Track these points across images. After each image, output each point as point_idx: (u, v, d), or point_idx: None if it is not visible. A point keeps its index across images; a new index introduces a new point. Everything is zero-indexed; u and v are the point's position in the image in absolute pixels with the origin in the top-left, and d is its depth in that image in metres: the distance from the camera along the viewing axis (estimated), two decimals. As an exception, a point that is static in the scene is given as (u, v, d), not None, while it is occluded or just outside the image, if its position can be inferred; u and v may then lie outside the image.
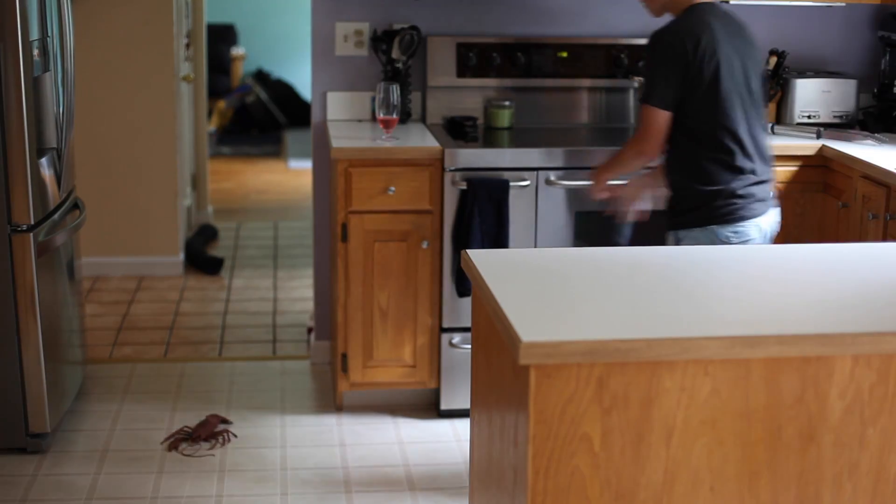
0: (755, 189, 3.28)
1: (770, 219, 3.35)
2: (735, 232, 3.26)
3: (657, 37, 3.33)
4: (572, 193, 4.02)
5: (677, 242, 3.35)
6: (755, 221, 3.29)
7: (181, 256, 6.03)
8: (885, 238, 3.67)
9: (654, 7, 3.45)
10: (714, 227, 3.27)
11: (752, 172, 3.28)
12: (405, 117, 4.37)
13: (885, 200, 3.68)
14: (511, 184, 3.96)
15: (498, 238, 3.93)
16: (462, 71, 4.43)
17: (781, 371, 2.06)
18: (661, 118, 3.27)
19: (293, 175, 8.90)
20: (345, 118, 4.48)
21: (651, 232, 4.06)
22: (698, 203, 3.28)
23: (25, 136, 3.60)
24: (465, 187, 3.93)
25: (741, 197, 3.25)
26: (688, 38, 3.24)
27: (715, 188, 3.25)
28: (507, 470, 2.22)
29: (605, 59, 4.47)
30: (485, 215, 3.91)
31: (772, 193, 3.36)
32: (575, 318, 2.12)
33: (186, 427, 3.94)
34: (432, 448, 3.92)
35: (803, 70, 4.57)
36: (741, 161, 3.25)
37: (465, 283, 3.96)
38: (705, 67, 3.23)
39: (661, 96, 3.25)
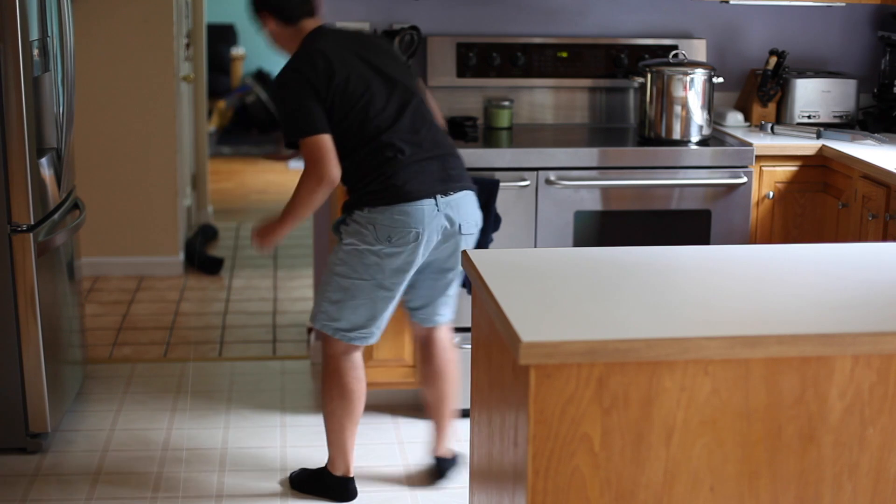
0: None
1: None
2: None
3: (281, 81, 3.30)
4: (572, 193, 4.02)
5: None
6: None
7: (181, 256, 6.03)
8: (885, 238, 3.67)
9: (288, 50, 3.41)
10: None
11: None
12: (405, 117, 4.37)
13: (885, 200, 3.68)
14: (510, 184, 3.96)
15: (481, 238, 3.88)
16: (462, 71, 4.43)
17: (781, 371, 2.06)
18: (325, 141, 3.28)
19: (293, 175, 8.83)
20: (345, 118, 4.48)
21: (649, 233, 4.06)
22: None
23: (25, 136, 3.60)
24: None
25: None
26: (308, 68, 3.26)
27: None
28: (507, 470, 2.22)
29: (605, 59, 4.47)
30: None
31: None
32: (575, 318, 2.12)
33: None
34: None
35: (803, 70, 4.57)
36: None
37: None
38: (334, 87, 3.25)
39: (311, 124, 3.26)
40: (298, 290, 5.78)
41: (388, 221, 3.27)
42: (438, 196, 3.30)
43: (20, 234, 3.66)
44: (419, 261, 3.34)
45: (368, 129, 3.29)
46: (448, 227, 3.34)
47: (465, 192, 3.38)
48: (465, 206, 3.37)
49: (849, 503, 2.14)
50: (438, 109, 3.61)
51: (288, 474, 3.68)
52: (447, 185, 3.33)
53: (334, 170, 3.29)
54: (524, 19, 4.49)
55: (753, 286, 2.33)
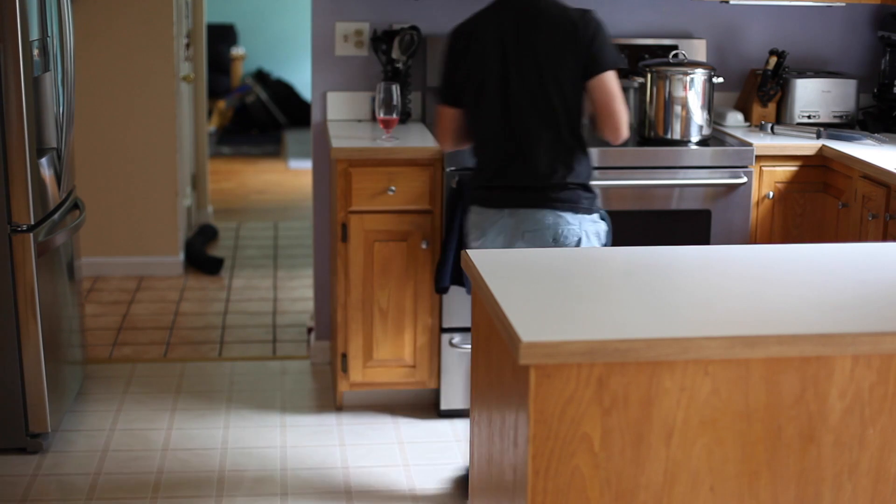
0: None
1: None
2: None
3: (595, 14, 3.34)
4: (572, 193, 4.01)
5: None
6: None
7: (181, 256, 6.03)
8: (885, 238, 3.67)
9: None
10: None
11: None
12: (405, 117, 4.37)
13: (885, 200, 3.68)
14: (511, 184, 3.95)
15: None
16: (462, 71, 4.42)
17: (781, 371, 2.06)
18: None
19: (293, 175, 8.90)
20: (345, 118, 4.48)
21: (649, 233, 4.06)
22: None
23: (25, 136, 3.60)
24: (455, 186, 3.92)
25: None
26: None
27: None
28: (507, 470, 2.22)
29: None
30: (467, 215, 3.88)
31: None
32: (575, 318, 2.12)
33: None
34: (432, 448, 3.92)
35: (803, 70, 4.57)
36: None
37: (441, 280, 3.91)
38: None
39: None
40: (298, 290, 5.78)
41: None
42: None
43: (20, 234, 3.66)
44: None
45: None
46: None
47: None
48: None
49: (849, 503, 2.14)
50: None
51: (288, 474, 3.68)
52: None
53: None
54: (524, 19, 4.49)
55: (753, 286, 2.33)
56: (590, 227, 3.29)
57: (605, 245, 3.31)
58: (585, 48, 3.23)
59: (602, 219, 3.34)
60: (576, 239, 3.26)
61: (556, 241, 3.25)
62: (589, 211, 3.30)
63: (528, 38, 3.26)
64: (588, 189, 3.32)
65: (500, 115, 3.30)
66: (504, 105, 3.29)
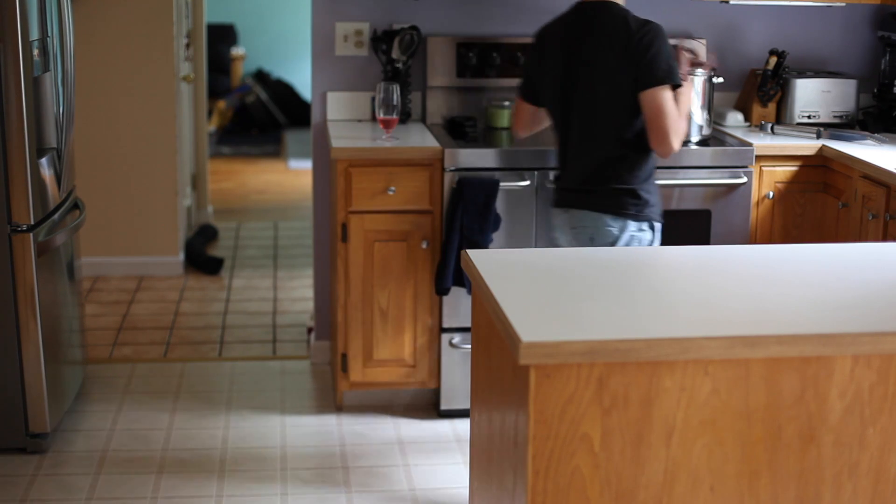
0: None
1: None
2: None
3: (658, 27, 3.32)
4: (572, 193, 4.02)
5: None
6: None
7: (181, 256, 6.03)
8: (885, 238, 3.67)
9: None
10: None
11: None
12: (405, 117, 4.37)
13: (885, 200, 3.68)
14: (510, 184, 3.96)
15: (480, 238, 3.90)
16: (462, 71, 4.43)
17: (781, 371, 2.06)
18: None
19: (293, 175, 8.90)
20: (345, 118, 4.48)
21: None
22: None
23: (25, 136, 3.60)
24: (455, 186, 3.93)
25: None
26: None
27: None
28: (507, 470, 2.22)
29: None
30: (468, 215, 3.89)
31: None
32: (575, 318, 2.12)
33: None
34: (432, 448, 3.92)
35: (803, 70, 4.57)
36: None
37: (442, 281, 3.92)
38: None
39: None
40: (298, 290, 5.78)
41: None
42: None
43: (20, 234, 3.66)
44: None
45: None
46: None
47: None
48: None
49: (849, 503, 2.14)
50: None
51: (288, 474, 3.68)
52: None
53: None
54: (524, 19, 4.49)
55: (753, 286, 2.33)
56: (631, 233, 3.36)
57: None
58: (637, 61, 3.27)
59: (651, 228, 3.39)
60: (611, 240, 3.34)
61: (593, 241, 3.37)
62: (636, 217, 3.36)
63: (587, 45, 3.36)
64: (636, 196, 3.35)
65: (561, 119, 3.47)
66: (565, 109, 3.43)
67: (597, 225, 3.38)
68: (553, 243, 3.59)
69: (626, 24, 3.29)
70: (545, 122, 3.66)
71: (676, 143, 3.28)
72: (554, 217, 3.56)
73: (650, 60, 3.25)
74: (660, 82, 3.25)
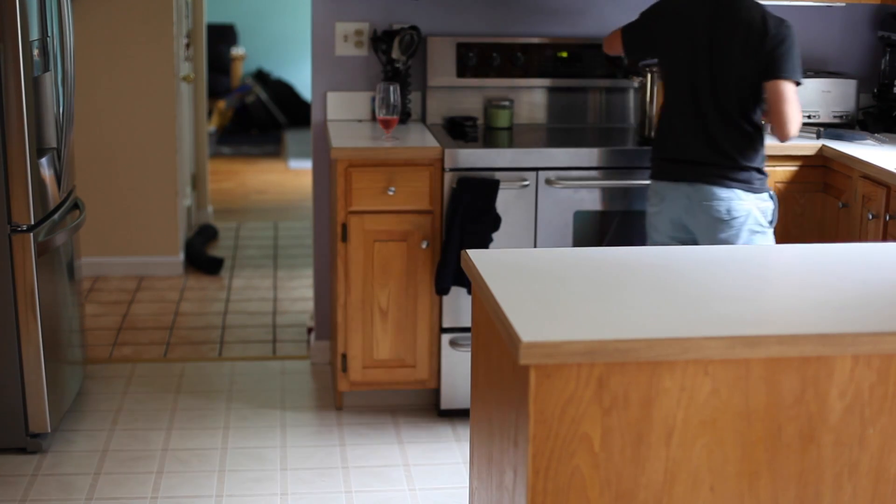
0: None
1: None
2: None
3: (792, 27, 3.57)
4: (572, 193, 4.02)
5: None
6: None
7: (181, 256, 6.03)
8: (885, 238, 3.67)
9: None
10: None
11: None
12: (405, 117, 4.37)
13: (885, 200, 3.68)
14: (510, 184, 3.96)
15: (481, 238, 3.90)
16: (462, 71, 4.43)
17: (781, 371, 2.06)
18: None
19: (293, 175, 8.90)
20: (345, 118, 4.48)
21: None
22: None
23: (25, 136, 3.60)
24: (455, 186, 3.92)
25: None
26: None
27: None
28: (507, 470, 2.22)
29: (605, 59, 4.47)
30: (469, 215, 3.89)
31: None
32: (575, 318, 2.12)
33: None
34: (432, 448, 3.92)
35: (803, 70, 4.56)
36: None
37: (442, 281, 3.92)
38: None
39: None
40: (298, 290, 5.78)
41: None
42: None
43: (20, 234, 3.66)
44: None
45: None
46: None
47: None
48: None
49: (849, 503, 2.14)
50: None
51: (288, 474, 3.68)
52: None
53: None
54: (524, 19, 4.49)
55: (753, 286, 2.33)
56: (759, 205, 3.62)
57: (772, 222, 3.65)
58: (768, 53, 3.54)
59: (770, 198, 3.66)
60: (746, 213, 3.60)
61: (729, 213, 3.59)
62: (760, 191, 3.63)
63: (725, 31, 3.58)
64: (761, 171, 3.65)
65: (687, 95, 3.65)
66: (692, 86, 3.63)
67: (731, 199, 3.59)
68: (654, 218, 3.74)
69: (764, 20, 3.56)
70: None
71: (795, 129, 3.56)
72: (664, 188, 3.70)
73: (781, 55, 3.54)
74: (785, 76, 3.54)
